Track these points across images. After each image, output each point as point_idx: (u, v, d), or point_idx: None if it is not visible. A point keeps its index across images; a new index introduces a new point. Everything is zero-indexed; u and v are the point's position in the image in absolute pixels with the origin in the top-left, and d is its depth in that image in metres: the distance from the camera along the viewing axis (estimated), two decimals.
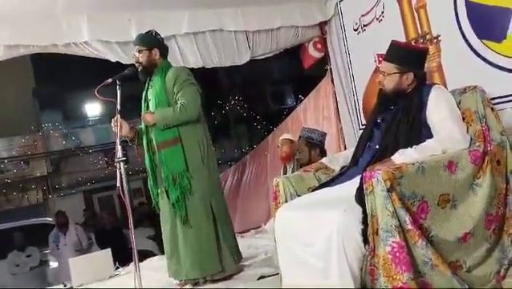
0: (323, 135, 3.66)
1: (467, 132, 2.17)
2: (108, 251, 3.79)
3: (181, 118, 2.80)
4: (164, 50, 3.01)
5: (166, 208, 2.91)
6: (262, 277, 2.78)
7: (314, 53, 4.50)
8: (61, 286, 3.85)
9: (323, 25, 4.36)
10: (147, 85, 3.01)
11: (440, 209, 1.93)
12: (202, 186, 2.86)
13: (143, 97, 3.04)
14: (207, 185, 2.89)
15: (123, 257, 3.88)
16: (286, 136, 4.11)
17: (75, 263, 3.70)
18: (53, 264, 6.38)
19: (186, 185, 2.80)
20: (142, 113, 2.99)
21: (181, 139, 2.84)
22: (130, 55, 3.55)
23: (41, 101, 12.55)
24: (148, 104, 2.99)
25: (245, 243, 4.00)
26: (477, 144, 2.13)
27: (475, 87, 2.25)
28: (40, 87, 12.34)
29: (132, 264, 3.08)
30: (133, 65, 3.06)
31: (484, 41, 2.81)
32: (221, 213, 2.94)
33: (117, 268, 3.82)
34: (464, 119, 2.21)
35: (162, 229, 3.00)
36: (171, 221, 2.90)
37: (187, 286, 2.88)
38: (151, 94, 2.95)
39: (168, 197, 2.87)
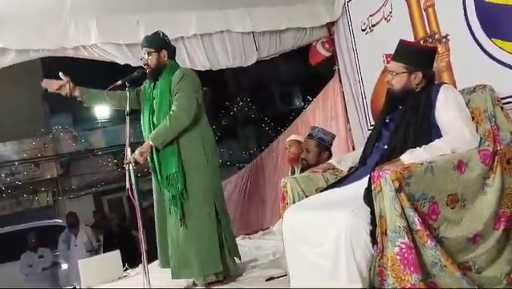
0: (334, 137, 3.60)
1: (476, 131, 2.15)
2: (117, 253, 3.81)
3: (175, 128, 2.79)
4: (172, 52, 3.02)
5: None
6: (270, 278, 2.78)
7: (322, 51, 4.49)
8: (71, 287, 3.87)
9: (330, 25, 4.35)
10: (152, 84, 3.01)
11: (450, 210, 1.91)
12: (205, 184, 2.87)
13: (146, 98, 3.03)
14: (211, 183, 2.90)
15: (133, 258, 3.90)
16: (293, 137, 4.09)
17: (84, 265, 3.72)
18: (64, 265, 6.44)
19: (179, 187, 2.81)
20: (145, 113, 2.99)
21: (178, 139, 2.84)
22: (138, 58, 3.58)
23: (51, 104, 12.63)
24: (152, 104, 2.97)
25: (253, 245, 4.00)
26: (487, 143, 2.11)
27: (484, 86, 2.22)
28: None
29: (141, 265, 3.09)
30: (142, 67, 3.08)
31: (493, 40, 2.78)
32: (223, 212, 2.95)
33: (126, 269, 3.84)
34: (473, 118, 2.19)
35: (159, 224, 2.99)
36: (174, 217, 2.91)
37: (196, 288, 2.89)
38: (156, 94, 2.95)
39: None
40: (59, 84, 2.96)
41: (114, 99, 3.08)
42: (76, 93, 2.98)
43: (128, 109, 2.84)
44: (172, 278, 2.90)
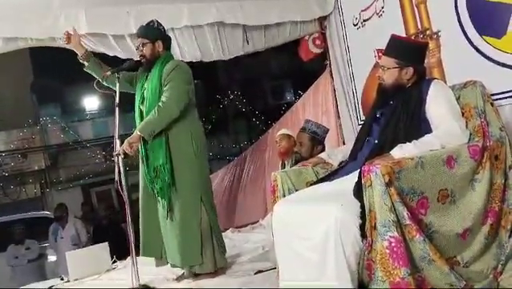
0: (327, 132, 3.60)
1: (466, 127, 2.16)
2: (106, 245, 3.79)
3: (163, 119, 2.76)
4: (167, 42, 2.98)
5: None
6: (259, 271, 2.78)
7: (313, 48, 4.48)
8: (58, 279, 3.84)
9: (322, 20, 4.34)
10: (146, 74, 2.98)
11: (441, 205, 1.92)
12: (193, 178, 2.85)
13: (138, 87, 3.00)
14: (198, 177, 2.88)
15: (121, 251, 3.87)
16: (284, 131, 4.08)
17: (72, 257, 3.69)
18: (51, 257, 6.39)
19: (166, 179, 2.79)
20: (136, 102, 2.97)
21: (167, 131, 2.81)
22: (128, 49, 3.55)
23: (39, 94, 12.49)
24: (143, 94, 2.94)
25: (242, 238, 4.01)
26: (477, 139, 2.13)
27: (475, 82, 2.24)
28: (38, 80, 12.28)
29: (129, 258, 3.08)
30: (131, 58, 3.05)
31: (484, 37, 2.80)
32: (210, 206, 2.92)
33: (114, 262, 3.82)
34: (463, 114, 2.20)
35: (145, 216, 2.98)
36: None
37: (184, 281, 2.89)
38: (148, 84, 2.92)
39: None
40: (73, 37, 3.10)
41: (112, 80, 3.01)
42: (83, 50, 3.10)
43: (117, 100, 2.81)
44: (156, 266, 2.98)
